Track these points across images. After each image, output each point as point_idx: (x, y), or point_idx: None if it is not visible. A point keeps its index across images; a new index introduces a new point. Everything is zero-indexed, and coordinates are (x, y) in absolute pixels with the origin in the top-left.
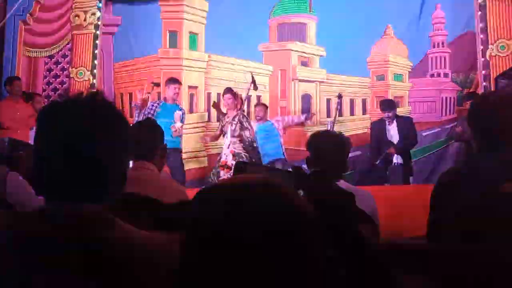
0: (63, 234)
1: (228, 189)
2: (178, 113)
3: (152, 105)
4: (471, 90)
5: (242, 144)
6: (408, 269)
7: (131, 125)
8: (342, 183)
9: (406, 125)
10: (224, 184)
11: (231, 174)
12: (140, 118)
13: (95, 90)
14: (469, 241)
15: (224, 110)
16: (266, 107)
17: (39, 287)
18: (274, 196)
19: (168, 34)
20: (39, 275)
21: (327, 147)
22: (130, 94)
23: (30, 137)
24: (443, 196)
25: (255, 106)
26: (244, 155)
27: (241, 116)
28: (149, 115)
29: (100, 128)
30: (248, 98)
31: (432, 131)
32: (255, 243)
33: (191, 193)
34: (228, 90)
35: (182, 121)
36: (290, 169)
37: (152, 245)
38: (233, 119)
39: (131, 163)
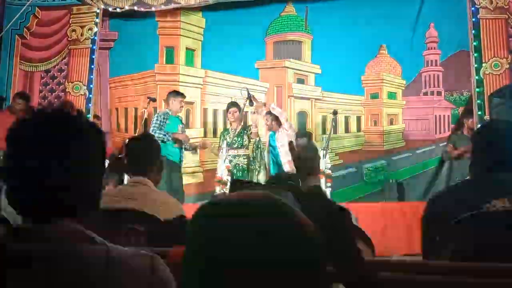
0: (38, 252)
1: (231, 204)
2: (180, 126)
3: (163, 117)
4: (466, 108)
5: (246, 159)
6: (400, 285)
7: (127, 140)
8: None
9: None
10: (227, 199)
11: (227, 189)
12: (156, 130)
13: (67, 103)
14: (458, 259)
15: (228, 124)
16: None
17: None
18: (276, 213)
19: (165, 50)
20: None
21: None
22: (126, 109)
23: None
24: (432, 215)
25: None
26: (243, 167)
27: (248, 130)
28: (162, 127)
29: (67, 143)
30: (245, 114)
31: (426, 148)
32: (257, 258)
33: (187, 208)
34: (233, 103)
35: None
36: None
37: (129, 261)
38: (240, 132)
39: (126, 178)
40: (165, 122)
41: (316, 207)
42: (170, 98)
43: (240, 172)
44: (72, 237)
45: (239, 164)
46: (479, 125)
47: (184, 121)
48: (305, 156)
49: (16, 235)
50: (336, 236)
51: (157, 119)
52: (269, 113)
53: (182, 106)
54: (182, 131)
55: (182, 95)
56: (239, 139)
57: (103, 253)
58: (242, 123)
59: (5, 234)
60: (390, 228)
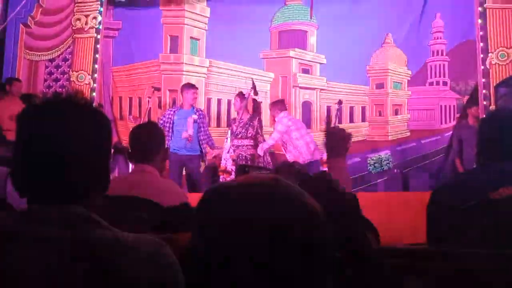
0: (46, 235)
1: (238, 187)
2: (190, 119)
3: (168, 114)
4: (470, 98)
5: (249, 149)
6: (406, 272)
7: (132, 128)
8: None
9: None
10: (233, 182)
11: (232, 178)
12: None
13: (77, 91)
14: (463, 246)
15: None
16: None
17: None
18: (285, 194)
19: (169, 39)
20: (25, 274)
21: None
22: (130, 99)
23: None
24: (438, 203)
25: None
26: (248, 158)
27: (257, 120)
28: (167, 125)
29: (76, 129)
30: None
31: (431, 139)
32: (266, 240)
33: (190, 196)
34: (239, 93)
35: (197, 122)
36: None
37: (137, 245)
38: (247, 122)
39: (131, 166)
40: (170, 119)
41: (323, 193)
42: (183, 91)
43: (243, 162)
44: (79, 221)
45: (242, 154)
46: (484, 115)
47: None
48: (337, 132)
49: (23, 219)
50: (345, 219)
51: (161, 118)
52: (273, 103)
53: (195, 98)
54: (197, 121)
55: (194, 87)
56: (244, 129)
57: (110, 237)
58: (249, 114)
59: (13, 218)
60: (394, 218)
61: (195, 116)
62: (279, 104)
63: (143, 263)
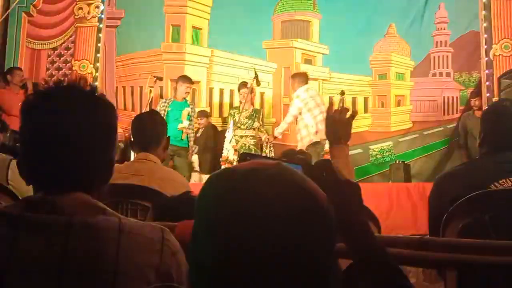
0: (51, 222)
1: (241, 171)
2: (185, 111)
3: (163, 104)
4: (475, 89)
5: (253, 139)
6: (408, 261)
7: (134, 117)
8: None
9: None
10: (236, 167)
11: None
12: None
13: (80, 78)
14: (465, 237)
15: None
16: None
17: (32, 273)
18: (288, 178)
19: (171, 28)
20: (30, 260)
21: None
22: (132, 88)
23: None
24: (440, 194)
25: None
26: (250, 147)
27: (261, 114)
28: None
29: (81, 116)
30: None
31: (434, 130)
32: (269, 225)
33: (193, 187)
34: (244, 84)
35: (189, 117)
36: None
37: (142, 232)
38: (252, 114)
39: (133, 155)
40: (165, 110)
41: (326, 180)
42: (178, 82)
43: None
44: (85, 208)
45: (245, 144)
46: (487, 106)
47: (190, 100)
48: (337, 119)
49: (29, 206)
50: (346, 208)
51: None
52: (293, 75)
53: (188, 92)
54: (189, 114)
55: (189, 80)
56: (250, 121)
57: (115, 224)
58: (253, 106)
59: (19, 206)
60: (396, 208)
61: (189, 109)
62: (299, 77)
63: (148, 250)
